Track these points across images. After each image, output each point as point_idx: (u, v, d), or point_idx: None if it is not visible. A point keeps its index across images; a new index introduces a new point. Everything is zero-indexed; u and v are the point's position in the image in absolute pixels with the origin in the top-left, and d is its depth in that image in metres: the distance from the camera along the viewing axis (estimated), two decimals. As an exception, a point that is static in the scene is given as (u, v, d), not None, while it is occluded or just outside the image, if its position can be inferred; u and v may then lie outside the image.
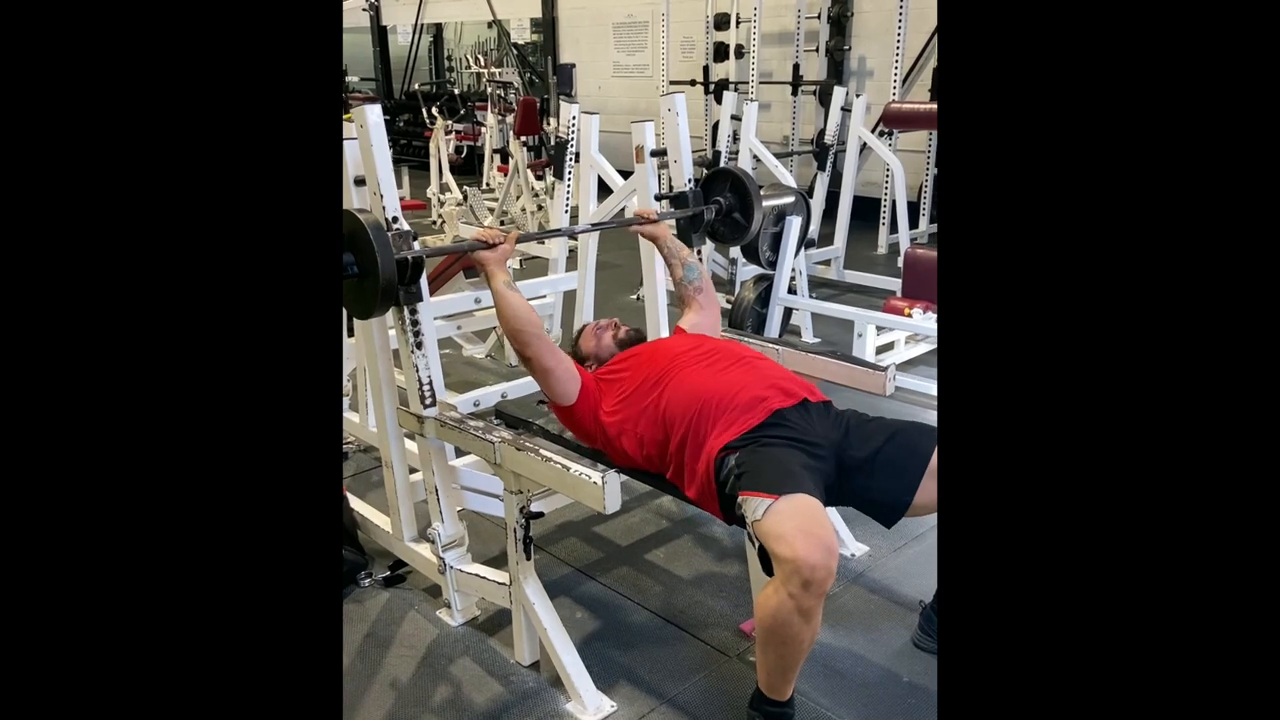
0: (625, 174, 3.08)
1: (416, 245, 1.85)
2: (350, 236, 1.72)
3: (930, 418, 3.19)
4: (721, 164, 4.70)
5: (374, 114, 1.88)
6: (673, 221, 2.40)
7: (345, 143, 1.99)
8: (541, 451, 1.69)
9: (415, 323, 1.91)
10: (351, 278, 1.75)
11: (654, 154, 2.54)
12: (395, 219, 1.87)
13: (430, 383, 1.96)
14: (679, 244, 2.26)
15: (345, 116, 2.81)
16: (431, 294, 2.38)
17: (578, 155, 3.31)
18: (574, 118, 3.39)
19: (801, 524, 1.45)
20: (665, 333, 2.62)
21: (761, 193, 2.47)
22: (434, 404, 1.96)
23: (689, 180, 2.47)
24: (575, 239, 3.32)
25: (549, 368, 1.84)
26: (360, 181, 1.96)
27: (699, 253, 2.57)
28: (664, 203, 2.53)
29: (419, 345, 1.93)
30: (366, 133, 1.87)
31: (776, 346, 2.28)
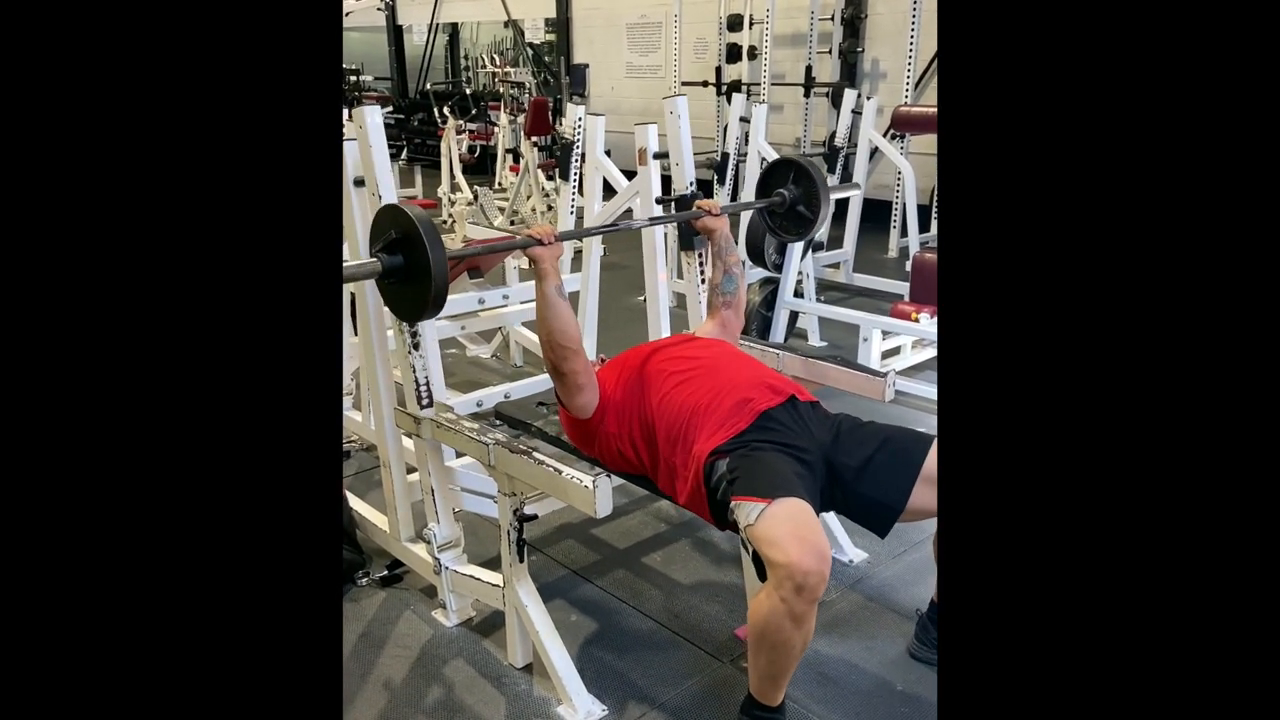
0: (633, 175, 3.08)
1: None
2: (403, 237, 1.57)
3: (934, 423, 3.17)
4: (730, 165, 4.69)
5: (373, 115, 1.88)
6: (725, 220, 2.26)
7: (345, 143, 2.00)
8: (535, 454, 1.69)
9: (413, 323, 1.92)
10: (400, 280, 1.61)
11: (657, 156, 2.54)
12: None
13: (427, 383, 1.96)
14: (732, 246, 2.15)
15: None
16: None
17: (584, 156, 3.31)
18: (580, 119, 3.39)
19: (794, 529, 1.44)
20: (666, 335, 2.61)
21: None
22: (430, 405, 1.96)
23: (690, 184, 2.46)
24: (580, 239, 3.32)
25: (583, 384, 1.78)
26: (359, 183, 1.97)
27: (704, 251, 2.56)
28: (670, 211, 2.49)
29: (415, 346, 1.93)
30: (366, 134, 1.88)
31: (778, 351, 2.27)
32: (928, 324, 3.41)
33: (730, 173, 4.90)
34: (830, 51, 6.93)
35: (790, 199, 2.32)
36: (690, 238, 2.47)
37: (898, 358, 3.60)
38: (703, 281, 2.28)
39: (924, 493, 1.65)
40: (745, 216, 4.31)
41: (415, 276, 1.57)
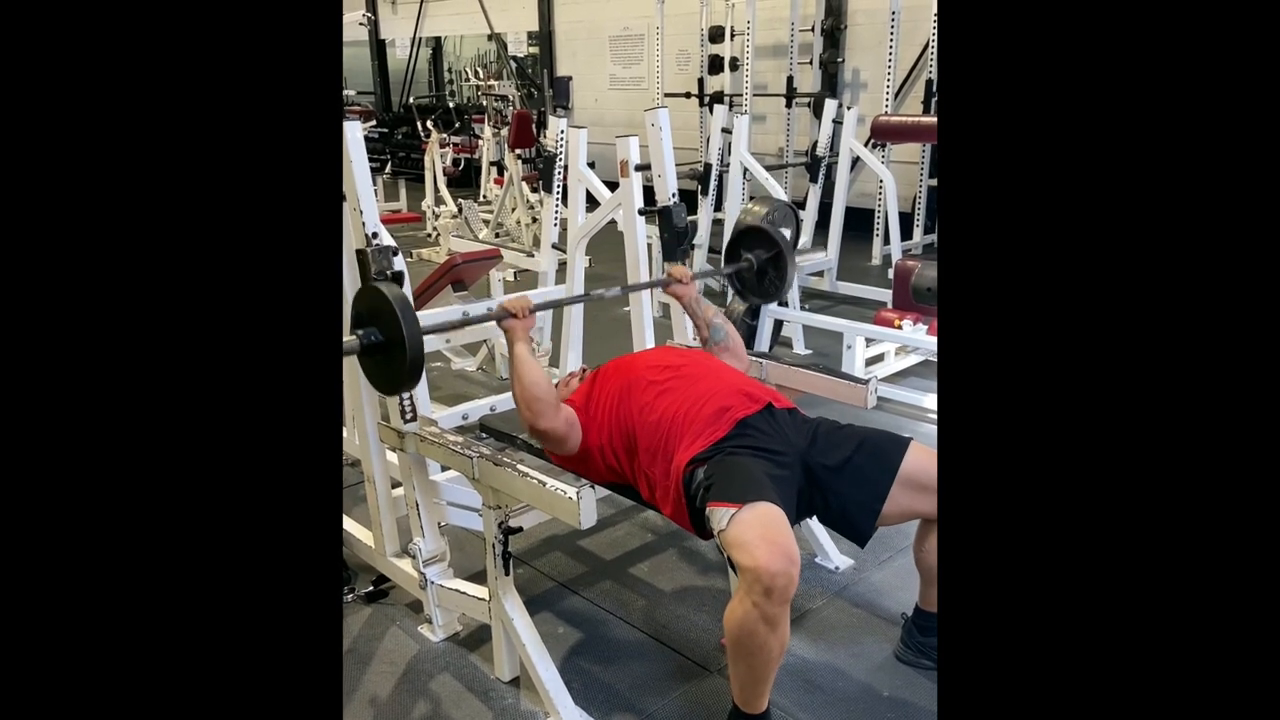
0: (616, 186, 3.10)
1: (424, 320, 1.72)
2: (373, 312, 1.61)
3: (919, 429, 3.18)
4: (712, 176, 4.71)
5: (353, 130, 1.89)
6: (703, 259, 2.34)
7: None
8: (519, 466, 1.69)
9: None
10: (376, 354, 1.63)
11: (639, 168, 2.55)
12: (375, 234, 1.88)
13: (410, 398, 1.96)
14: (705, 305, 2.18)
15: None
16: (419, 308, 2.38)
17: (566, 169, 3.32)
18: (562, 131, 3.41)
19: (763, 532, 1.45)
20: (651, 346, 2.62)
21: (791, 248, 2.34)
22: (414, 419, 1.96)
23: (672, 195, 2.48)
24: (564, 252, 3.33)
25: (564, 435, 1.81)
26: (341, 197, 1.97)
27: (688, 260, 2.58)
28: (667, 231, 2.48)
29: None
30: (346, 148, 1.89)
31: (761, 360, 2.28)
32: (910, 330, 3.44)
33: (713, 183, 4.93)
34: (811, 62, 6.99)
35: (758, 264, 2.34)
36: (674, 249, 2.49)
37: (881, 364, 3.62)
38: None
39: (901, 495, 1.66)
40: (730, 219, 4.33)
41: (391, 352, 1.61)
